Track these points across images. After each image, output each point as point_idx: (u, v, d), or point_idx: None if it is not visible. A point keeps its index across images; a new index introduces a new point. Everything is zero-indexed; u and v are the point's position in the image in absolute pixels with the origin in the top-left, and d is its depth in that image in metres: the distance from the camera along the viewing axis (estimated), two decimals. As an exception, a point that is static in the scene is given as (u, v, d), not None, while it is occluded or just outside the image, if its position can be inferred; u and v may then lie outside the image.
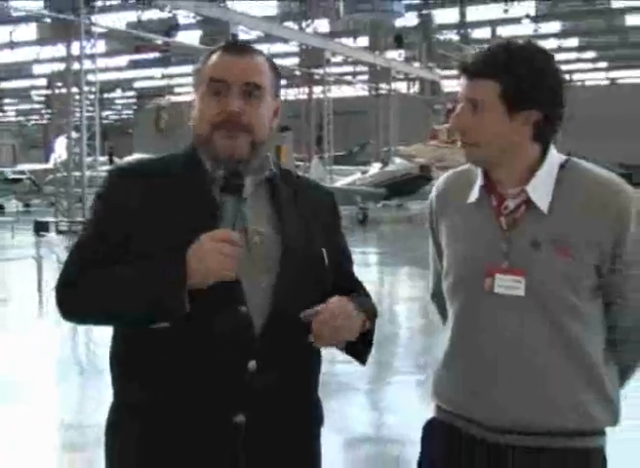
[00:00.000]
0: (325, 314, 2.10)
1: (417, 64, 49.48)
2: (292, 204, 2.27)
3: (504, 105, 2.21)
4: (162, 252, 2.06)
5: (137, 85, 62.49)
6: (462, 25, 51.15)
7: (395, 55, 49.37)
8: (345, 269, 2.40)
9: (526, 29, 46.77)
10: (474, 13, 50.21)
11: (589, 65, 60.76)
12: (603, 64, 61.63)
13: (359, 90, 53.19)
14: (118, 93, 62.41)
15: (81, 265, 2.17)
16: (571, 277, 2.19)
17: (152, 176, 2.23)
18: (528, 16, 47.37)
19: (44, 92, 53.04)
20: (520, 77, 2.19)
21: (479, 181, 2.33)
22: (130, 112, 74.78)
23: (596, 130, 51.62)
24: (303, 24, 42.61)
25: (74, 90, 28.44)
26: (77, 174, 28.86)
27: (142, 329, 2.11)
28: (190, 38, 42.75)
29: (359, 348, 2.27)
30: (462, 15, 50.46)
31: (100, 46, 37.50)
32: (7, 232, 27.29)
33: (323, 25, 47.65)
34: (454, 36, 51.62)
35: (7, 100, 66.01)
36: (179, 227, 2.11)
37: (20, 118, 75.72)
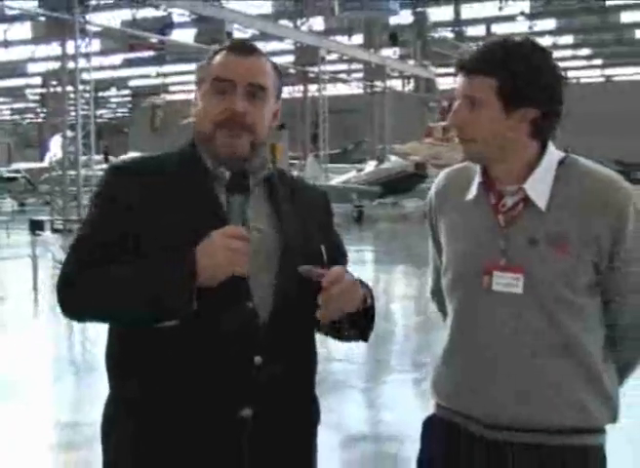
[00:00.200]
0: (331, 274, 2.11)
1: (411, 62, 49.47)
2: (289, 203, 2.29)
3: (501, 102, 2.21)
4: (165, 249, 2.06)
5: (132, 83, 62.48)
6: (457, 23, 51.18)
7: (390, 52, 49.35)
8: (341, 265, 2.40)
9: (521, 27, 46.83)
10: (469, 10, 50.25)
11: (584, 63, 60.80)
12: (598, 62, 61.69)
13: (354, 88, 53.22)
14: (113, 91, 62.38)
15: (82, 263, 2.16)
16: (569, 274, 2.19)
17: (151, 174, 2.23)
18: (523, 13, 47.40)
19: (39, 90, 52.97)
20: (517, 74, 2.19)
21: (477, 178, 2.33)
22: (125, 111, 74.72)
23: (592, 127, 51.65)
24: (298, 22, 42.62)
25: (69, 88, 28.39)
26: (72, 172, 28.83)
27: (148, 328, 2.10)
28: (185, 36, 42.77)
29: (362, 323, 2.26)
30: (457, 12, 50.49)
31: (95, 44, 37.46)
32: (2, 231, 27.25)
33: (318, 23, 47.69)
34: (448, 34, 51.65)
35: (2, 99, 65.97)
36: (180, 225, 2.11)
37: (15, 117, 75.64)
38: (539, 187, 2.24)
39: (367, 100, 47.69)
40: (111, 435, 2.25)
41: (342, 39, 47.35)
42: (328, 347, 7.70)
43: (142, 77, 58.92)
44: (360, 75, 50.66)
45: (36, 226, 27.56)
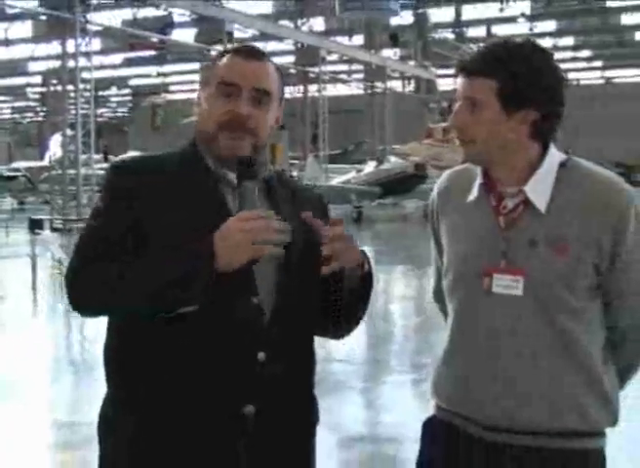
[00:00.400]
0: (337, 227, 2.15)
1: (412, 63, 49.48)
2: (289, 204, 2.30)
3: (501, 104, 2.21)
4: (175, 244, 2.06)
5: (132, 83, 62.49)
6: (458, 24, 51.20)
7: (390, 53, 49.39)
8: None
9: (521, 28, 46.86)
10: (470, 11, 50.29)
11: (585, 64, 60.82)
12: (598, 63, 61.71)
13: (354, 88, 53.21)
14: (113, 90, 62.39)
15: (92, 255, 2.14)
16: (569, 276, 2.19)
17: (152, 173, 2.24)
18: (523, 14, 47.42)
19: (39, 89, 53.04)
20: (517, 76, 2.18)
21: (478, 180, 2.33)
22: (125, 110, 74.74)
23: (592, 129, 51.68)
24: (299, 23, 42.63)
25: (69, 87, 28.41)
26: (72, 171, 28.84)
27: (151, 323, 2.10)
28: (185, 36, 42.79)
29: (361, 289, 2.28)
30: (458, 13, 50.51)
31: (96, 43, 37.48)
32: (1, 230, 27.25)
33: (318, 24, 47.70)
34: (449, 35, 51.66)
35: (2, 98, 65.95)
36: (186, 224, 2.11)
37: (16, 115, 75.64)
38: (539, 189, 2.23)
39: (367, 101, 47.70)
40: (109, 434, 2.24)
41: (343, 39, 47.39)
42: (328, 347, 7.71)
43: (143, 76, 58.94)
44: (360, 76, 50.70)
45: (36, 225, 27.55)
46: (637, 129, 53.68)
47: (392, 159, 37.81)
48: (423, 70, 48.95)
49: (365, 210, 33.94)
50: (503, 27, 47.92)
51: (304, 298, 2.21)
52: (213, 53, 34.63)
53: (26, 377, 8.53)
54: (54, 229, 27.51)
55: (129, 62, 51.51)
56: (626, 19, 50.83)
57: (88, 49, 29.06)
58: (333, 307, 2.27)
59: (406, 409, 7.02)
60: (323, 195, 2.54)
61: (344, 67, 53.54)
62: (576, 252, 2.18)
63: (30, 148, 70.45)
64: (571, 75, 58.61)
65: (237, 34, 38.75)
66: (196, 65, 47.59)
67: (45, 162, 41.06)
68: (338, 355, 8.77)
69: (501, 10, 46.49)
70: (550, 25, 51.92)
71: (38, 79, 50.44)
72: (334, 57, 45.12)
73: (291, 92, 40.82)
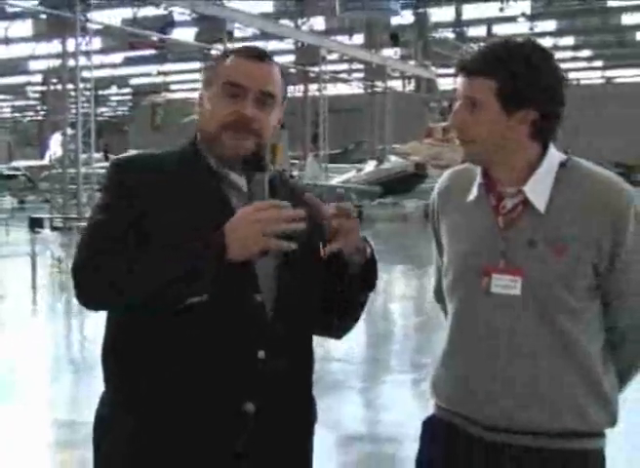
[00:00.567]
0: (343, 203, 2.17)
1: (412, 62, 49.48)
2: (289, 203, 2.28)
3: (500, 103, 2.21)
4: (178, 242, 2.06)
5: (132, 82, 62.47)
6: (458, 24, 51.18)
7: (391, 52, 49.37)
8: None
9: (521, 28, 46.85)
10: (470, 11, 50.28)
11: (585, 64, 60.80)
12: (599, 63, 61.70)
13: (355, 88, 53.22)
14: (114, 89, 62.36)
15: (99, 247, 2.12)
16: (568, 276, 2.19)
17: (153, 170, 2.23)
18: (523, 14, 47.42)
19: (39, 88, 53.01)
20: (516, 75, 2.18)
21: (478, 179, 2.32)
22: (125, 109, 74.73)
23: (592, 129, 51.70)
24: (299, 22, 42.62)
25: (70, 86, 28.44)
26: (72, 170, 28.86)
27: (152, 319, 2.09)
28: (186, 35, 42.78)
29: (366, 272, 2.27)
30: (458, 13, 50.50)
31: (96, 42, 37.49)
32: (1, 229, 27.25)
33: (319, 23, 47.70)
34: (449, 34, 51.65)
35: (2, 97, 65.94)
36: (189, 223, 2.11)
37: (16, 114, 75.63)
38: (538, 189, 2.23)
39: (367, 100, 47.71)
40: (107, 432, 2.23)
41: (343, 39, 47.36)
42: (327, 346, 7.70)
43: (143, 75, 58.90)
44: (361, 75, 50.68)
45: (36, 224, 27.61)
46: (637, 129, 53.71)
47: (392, 158, 37.84)
48: (424, 70, 48.95)
49: (365, 209, 33.94)
50: (504, 27, 47.93)
51: (305, 296, 2.22)
52: (213, 52, 34.68)
53: (26, 376, 8.53)
54: (54, 228, 27.55)
55: (129, 61, 51.47)
56: (627, 19, 50.82)
57: (88, 48, 29.10)
58: (336, 295, 2.26)
59: (405, 409, 7.02)
60: (319, 195, 2.54)
61: (345, 67, 53.51)
62: (575, 252, 2.18)
63: (30, 147, 70.45)
64: (571, 75, 58.62)
65: (237, 33, 38.80)
66: (196, 65, 47.59)
67: (45, 161, 41.06)
68: (337, 354, 8.78)
69: (502, 9, 46.45)
70: (551, 25, 51.90)
71: (38, 78, 50.41)
72: (334, 56, 45.10)
73: (291, 91, 40.80)
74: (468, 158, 2.33)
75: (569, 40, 54.63)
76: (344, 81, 53.15)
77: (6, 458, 5.90)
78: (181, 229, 2.09)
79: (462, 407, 2.30)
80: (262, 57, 2.27)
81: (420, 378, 7.99)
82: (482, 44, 2.26)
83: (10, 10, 36.75)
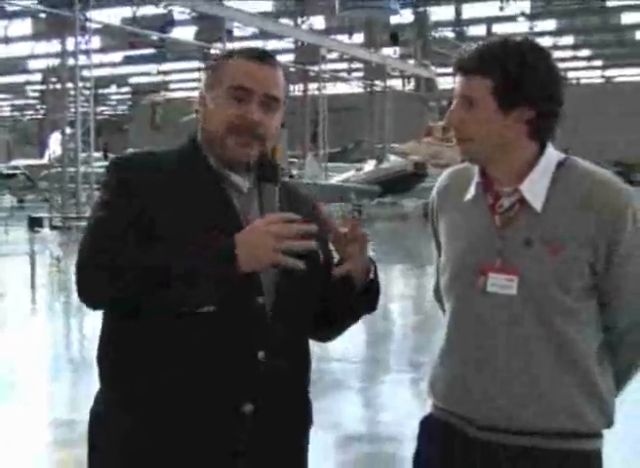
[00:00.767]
0: (359, 229, 2.19)
1: (412, 62, 49.52)
2: (286, 203, 2.27)
3: (496, 102, 2.20)
4: (180, 241, 2.05)
5: (132, 81, 62.48)
6: (458, 23, 51.24)
7: (390, 52, 49.39)
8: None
9: (521, 27, 46.90)
10: (470, 10, 50.35)
11: (585, 63, 60.85)
12: (598, 63, 61.75)
13: (354, 87, 53.28)
14: (113, 88, 62.39)
15: (104, 246, 2.10)
16: (564, 276, 2.18)
17: (153, 169, 2.22)
18: (523, 13, 47.47)
19: (39, 87, 53.03)
20: (511, 74, 2.17)
21: (476, 178, 2.32)
22: (125, 108, 74.74)
23: (591, 128, 51.70)
24: (299, 21, 42.63)
25: (69, 85, 28.47)
26: (71, 169, 28.87)
27: (151, 320, 2.09)
28: (185, 34, 42.79)
29: (371, 289, 2.30)
30: (458, 12, 50.54)
31: (95, 42, 37.47)
32: (1, 228, 27.25)
33: (318, 22, 47.72)
34: (449, 33, 51.70)
35: (2, 96, 65.96)
36: (192, 222, 2.10)
37: (15, 113, 75.64)
38: (535, 189, 2.22)
39: (367, 100, 47.74)
40: (102, 431, 2.23)
41: (343, 38, 47.37)
42: (325, 346, 7.69)
43: (143, 74, 58.92)
44: (360, 74, 50.72)
45: (35, 223, 27.62)
46: (637, 128, 53.72)
47: (392, 158, 37.88)
48: (423, 69, 48.97)
49: (364, 208, 33.95)
50: (503, 26, 48.00)
51: (303, 299, 2.22)
52: (213, 51, 34.69)
53: (25, 375, 8.53)
54: (53, 227, 27.55)
55: (129, 60, 51.51)
56: (626, 19, 50.87)
57: (87, 47, 29.12)
58: (336, 311, 2.30)
59: (404, 408, 7.01)
60: (314, 194, 2.56)
61: (344, 66, 53.54)
62: (571, 251, 2.17)
63: (30, 146, 70.45)
64: (571, 74, 58.67)
65: (237, 32, 38.82)
66: (196, 64, 47.60)
67: (44, 160, 41.10)
68: (336, 354, 8.77)
69: (501, 9, 46.54)
70: (550, 24, 51.94)
71: (38, 77, 50.45)
72: (334, 55, 45.14)
73: (290, 90, 40.84)
74: (465, 156, 2.33)
75: (568, 39, 54.66)
76: (344, 80, 53.18)
77: (5, 458, 5.89)
78: (182, 228, 2.09)
79: (459, 406, 2.30)
80: (270, 60, 2.27)
81: (419, 378, 7.98)
82: (479, 43, 2.26)
83: (9, 9, 36.75)
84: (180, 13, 39.66)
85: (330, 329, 2.41)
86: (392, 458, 6.00)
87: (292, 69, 41.04)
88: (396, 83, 51.25)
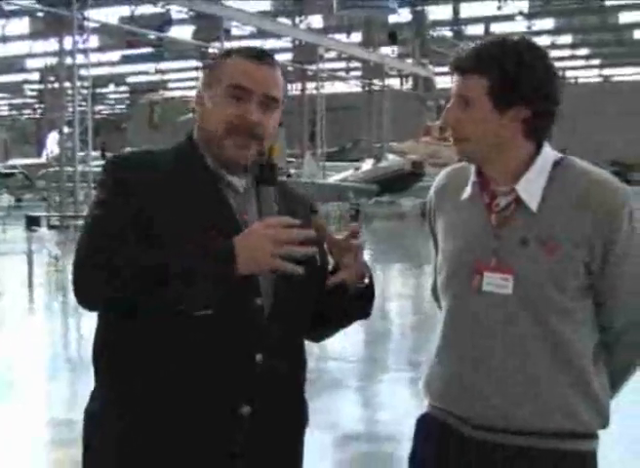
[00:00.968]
0: (356, 240, 2.18)
1: (410, 61, 49.51)
2: (282, 203, 2.27)
3: (492, 102, 2.20)
4: (177, 240, 2.05)
5: (130, 80, 62.44)
6: (456, 22, 51.24)
7: (388, 51, 49.40)
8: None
9: (519, 26, 46.93)
10: (468, 9, 50.36)
11: (583, 63, 60.88)
12: (596, 62, 61.78)
13: (352, 86, 53.26)
14: (111, 88, 62.33)
15: (102, 244, 2.09)
16: (559, 276, 2.18)
17: (150, 168, 2.21)
18: (521, 13, 47.47)
19: (37, 86, 52.96)
20: (507, 73, 2.17)
21: (472, 178, 2.32)
22: (123, 107, 74.70)
23: (589, 127, 51.75)
24: (297, 20, 42.62)
25: (67, 84, 28.45)
26: (69, 168, 28.85)
27: (146, 320, 2.08)
28: (183, 33, 42.76)
29: (366, 295, 2.30)
30: (456, 11, 50.55)
31: (93, 41, 37.43)
32: (-2, 227, 27.26)
33: (316, 21, 47.69)
34: (447, 33, 51.71)
35: (-1, 95, 65.92)
36: (189, 221, 2.10)
37: (13, 112, 75.58)
38: (531, 188, 2.22)
39: (365, 99, 47.74)
40: (97, 430, 2.22)
41: (341, 37, 47.36)
42: (323, 346, 7.70)
43: (140, 74, 58.89)
44: (358, 73, 50.71)
45: (32, 222, 27.57)
46: (635, 127, 53.75)
47: (390, 157, 37.89)
48: (421, 68, 48.98)
49: (362, 207, 33.95)
50: (501, 25, 48.04)
51: (300, 301, 2.22)
52: (211, 50, 34.67)
53: (22, 375, 8.53)
54: (51, 226, 27.52)
55: (126, 59, 51.46)
56: (624, 18, 50.90)
57: (85, 46, 29.11)
58: (331, 315, 2.31)
59: (402, 408, 7.01)
60: (309, 195, 2.55)
61: (342, 65, 53.53)
62: (567, 251, 2.17)
63: (28, 145, 70.42)
64: (569, 73, 58.73)
65: (235, 31, 38.78)
66: (194, 63, 47.59)
67: (42, 159, 41.05)
68: (333, 353, 8.78)
69: (499, 8, 46.55)
70: (548, 23, 51.95)
71: (35, 76, 50.34)
72: (332, 54, 45.12)
73: (288, 89, 40.75)
74: (462, 156, 2.33)
75: (566, 38, 54.68)
76: (342, 79, 53.18)
77: (2, 457, 5.89)
78: (179, 227, 2.08)
79: (455, 405, 2.29)
80: (269, 60, 2.26)
81: (417, 377, 7.91)
82: (477, 42, 2.26)
83: (7, 8, 36.70)
84: (177, 12, 39.60)
85: (323, 330, 2.42)
86: (390, 457, 6.00)
87: (290, 68, 41.00)
88: (394, 82, 51.25)
